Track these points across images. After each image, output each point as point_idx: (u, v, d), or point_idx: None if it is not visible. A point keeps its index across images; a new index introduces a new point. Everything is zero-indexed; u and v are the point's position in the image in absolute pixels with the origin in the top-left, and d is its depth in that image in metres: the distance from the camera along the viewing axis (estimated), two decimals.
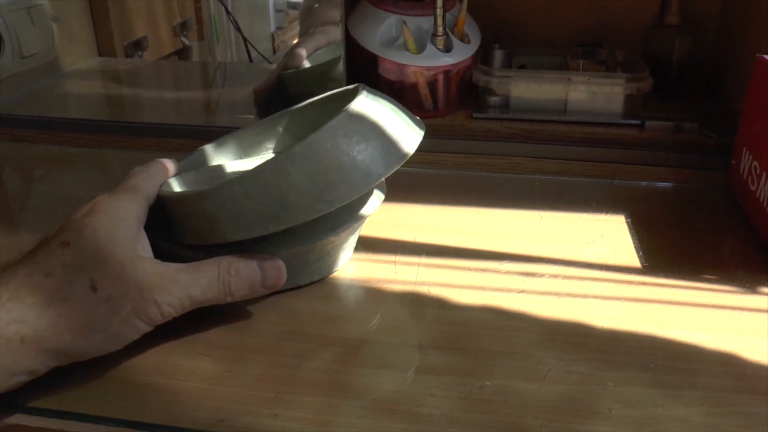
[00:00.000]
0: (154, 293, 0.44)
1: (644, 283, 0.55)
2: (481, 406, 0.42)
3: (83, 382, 0.45)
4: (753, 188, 0.63)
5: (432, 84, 0.76)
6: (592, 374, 0.45)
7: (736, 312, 0.52)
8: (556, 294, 0.54)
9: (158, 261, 0.46)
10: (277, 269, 0.49)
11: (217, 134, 0.80)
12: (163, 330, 0.48)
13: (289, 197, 0.47)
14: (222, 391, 0.44)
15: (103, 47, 1.20)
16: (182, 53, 1.50)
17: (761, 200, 0.60)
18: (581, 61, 0.80)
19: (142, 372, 0.45)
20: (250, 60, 1.52)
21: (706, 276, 0.56)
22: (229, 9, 1.48)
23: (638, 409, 0.42)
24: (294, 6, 2.12)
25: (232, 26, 1.53)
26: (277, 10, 1.97)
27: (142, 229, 0.48)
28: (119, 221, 0.46)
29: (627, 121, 0.76)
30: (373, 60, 0.76)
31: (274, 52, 1.84)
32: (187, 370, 0.46)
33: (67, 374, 0.44)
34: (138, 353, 0.47)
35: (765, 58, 0.64)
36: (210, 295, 0.47)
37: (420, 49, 0.75)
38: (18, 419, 0.42)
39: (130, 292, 0.44)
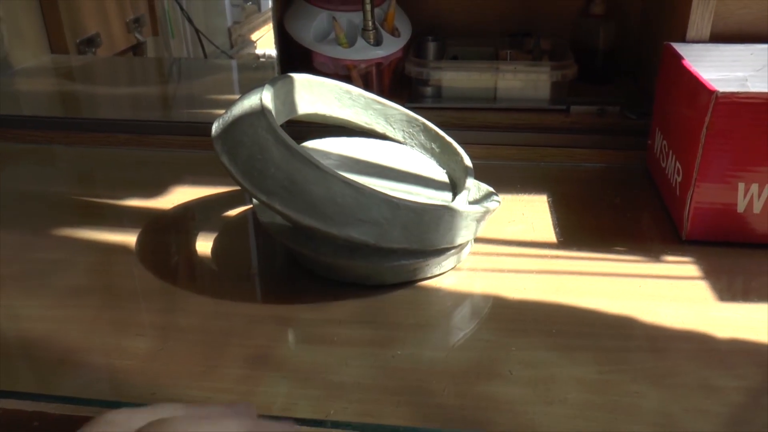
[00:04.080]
0: None
1: (557, 257, 0.59)
2: (391, 374, 0.46)
3: (27, 364, 0.48)
4: (663, 165, 0.67)
5: (365, 77, 0.80)
6: (497, 341, 0.49)
7: (639, 279, 0.56)
8: (473, 270, 0.58)
9: None
10: None
11: (168, 129, 0.83)
12: (100, 313, 0.51)
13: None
14: (154, 368, 0.47)
15: (55, 45, 1.22)
16: (137, 49, 1.51)
17: (669, 176, 0.65)
18: (509, 51, 0.83)
19: (82, 352, 0.48)
20: (205, 55, 1.54)
21: (616, 247, 0.60)
22: (183, 5, 1.50)
23: (537, 370, 0.46)
24: (251, 0, 2.14)
25: (186, 21, 1.55)
26: (233, 5, 1.99)
27: None
28: None
29: (553, 107, 0.80)
30: (307, 54, 0.79)
31: (231, 46, 1.86)
32: (123, 349, 0.49)
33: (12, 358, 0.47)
34: (78, 336, 0.50)
35: (671, 46, 0.68)
36: None
37: (351, 43, 0.78)
38: None
39: None
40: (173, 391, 0.45)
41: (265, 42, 2.10)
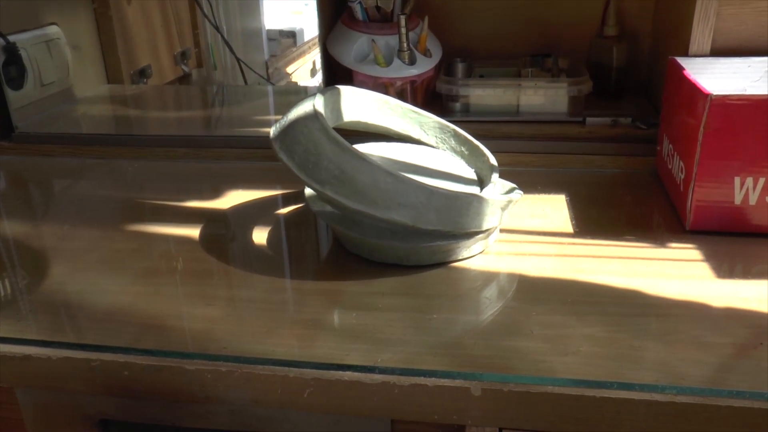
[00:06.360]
0: None
1: (573, 243, 0.67)
2: (429, 332, 0.54)
3: (115, 327, 0.56)
4: (670, 167, 0.74)
5: (401, 93, 0.88)
6: (520, 308, 0.57)
7: (647, 261, 0.63)
8: (499, 254, 0.65)
9: None
10: None
11: (222, 143, 0.92)
12: (173, 289, 0.59)
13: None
14: (225, 329, 0.55)
15: (111, 76, 1.33)
16: (183, 80, 1.63)
17: (674, 175, 0.72)
18: (530, 70, 0.92)
19: (161, 317, 0.57)
20: (245, 82, 1.65)
21: (627, 236, 0.68)
22: (225, 36, 1.61)
23: (553, 330, 0.54)
24: (287, 35, 2.26)
25: (227, 54, 1.67)
26: (270, 39, 2.11)
27: None
28: None
29: (571, 119, 0.88)
30: (349, 74, 0.88)
31: (268, 78, 1.97)
32: (196, 315, 0.57)
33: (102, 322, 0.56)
34: (156, 306, 0.58)
35: (675, 60, 0.76)
36: None
37: (388, 63, 0.87)
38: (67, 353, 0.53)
39: None
40: (242, 346, 0.53)
41: (299, 74, 2.22)
